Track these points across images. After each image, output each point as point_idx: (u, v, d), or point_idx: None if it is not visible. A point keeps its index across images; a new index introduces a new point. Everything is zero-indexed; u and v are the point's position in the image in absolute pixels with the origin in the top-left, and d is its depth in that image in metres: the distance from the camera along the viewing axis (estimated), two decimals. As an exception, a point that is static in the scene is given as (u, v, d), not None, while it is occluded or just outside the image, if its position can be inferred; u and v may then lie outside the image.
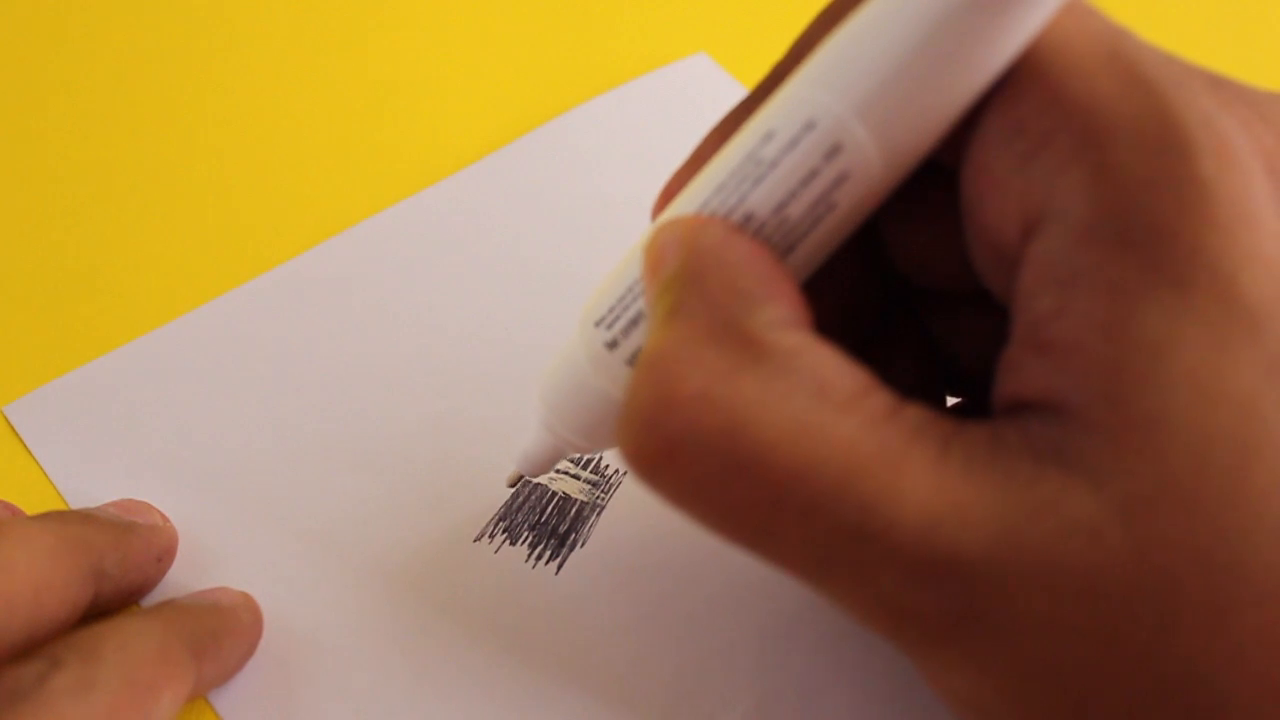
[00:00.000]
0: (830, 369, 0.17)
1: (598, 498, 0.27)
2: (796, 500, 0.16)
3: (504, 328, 0.30)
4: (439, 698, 0.24)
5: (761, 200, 0.18)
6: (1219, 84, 0.17)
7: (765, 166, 0.18)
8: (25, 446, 0.27)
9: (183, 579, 0.25)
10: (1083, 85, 0.17)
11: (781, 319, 0.18)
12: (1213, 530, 0.15)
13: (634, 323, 0.20)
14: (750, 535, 0.17)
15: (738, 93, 0.36)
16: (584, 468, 0.28)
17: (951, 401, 0.24)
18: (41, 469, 0.27)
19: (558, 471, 0.27)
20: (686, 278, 0.18)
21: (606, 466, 0.28)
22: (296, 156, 0.34)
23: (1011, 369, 0.17)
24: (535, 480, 0.27)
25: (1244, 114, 0.17)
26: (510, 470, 0.26)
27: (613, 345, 0.20)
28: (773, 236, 0.18)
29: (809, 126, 0.18)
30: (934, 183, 0.19)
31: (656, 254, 0.19)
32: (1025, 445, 0.16)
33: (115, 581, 0.24)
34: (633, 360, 0.20)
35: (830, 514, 0.16)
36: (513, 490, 0.27)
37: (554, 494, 0.27)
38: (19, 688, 0.20)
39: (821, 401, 0.17)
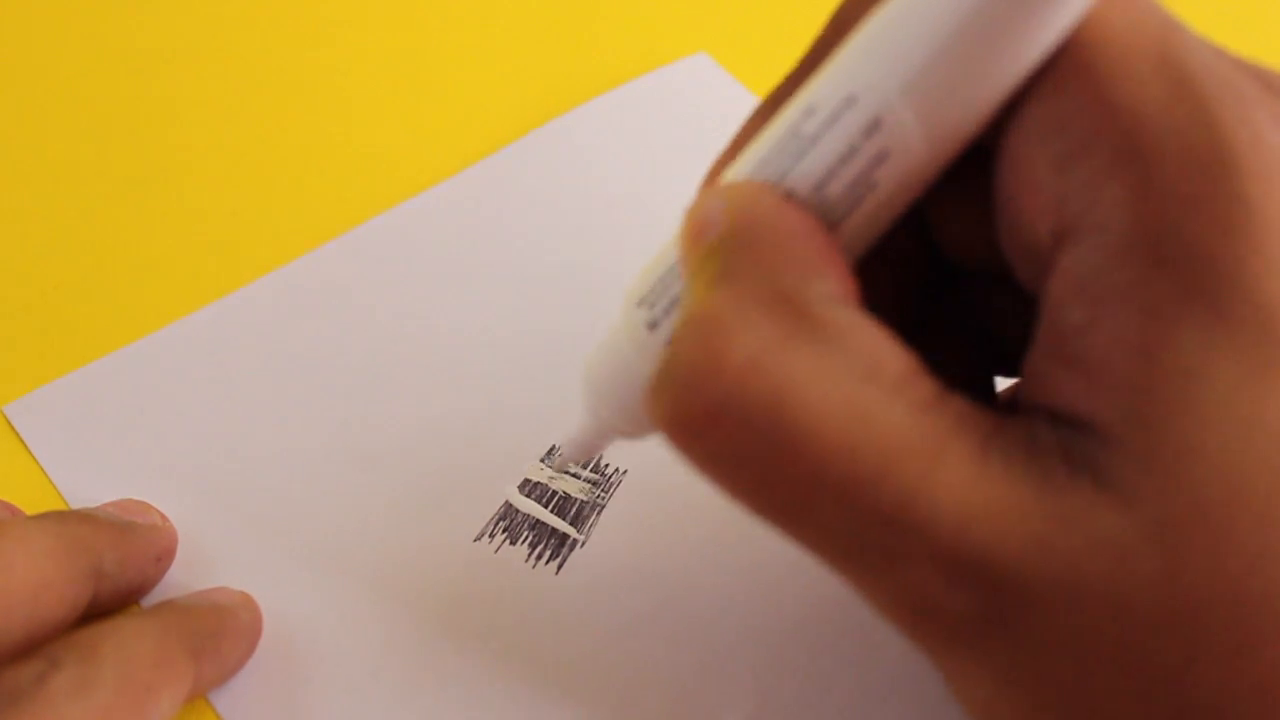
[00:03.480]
0: (881, 350, 0.16)
1: (598, 497, 0.27)
2: (835, 481, 0.16)
3: (504, 329, 0.30)
4: (439, 697, 0.24)
5: (802, 177, 0.18)
6: (1272, 88, 0.17)
7: (806, 142, 0.18)
8: (25, 446, 0.27)
9: (183, 579, 0.25)
10: (1129, 90, 0.16)
11: (834, 294, 0.17)
12: (1245, 559, 0.15)
13: (676, 302, 0.19)
14: (783, 513, 0.17)
15: (738, 93, 0.36)
16: (584, 466, 0.27)
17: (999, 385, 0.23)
18: (41, 469, 0.27)
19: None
20: (737, 241, 0.17)
21: (607, 466, 0.27)
22: (297, 158, 0.34)
23: (1038, 378, 0.17)
24: (535, 480, 0.27)
25: None
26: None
27: (654, 326, 0.20)
28: (814, 214, 0.18)
29: (849, 102, 0.17)
30: (972, 163, 0.18)
31: (700, 221, 0.18)
32: (1060, 450, 0.16)
33: (114, 581, 0.24)
34: None
35: (868, 498, 0.16)
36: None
37: (554, 493, 0.27)
38: (18, 688, 0.20)
39: (870, 383, 0.16)
